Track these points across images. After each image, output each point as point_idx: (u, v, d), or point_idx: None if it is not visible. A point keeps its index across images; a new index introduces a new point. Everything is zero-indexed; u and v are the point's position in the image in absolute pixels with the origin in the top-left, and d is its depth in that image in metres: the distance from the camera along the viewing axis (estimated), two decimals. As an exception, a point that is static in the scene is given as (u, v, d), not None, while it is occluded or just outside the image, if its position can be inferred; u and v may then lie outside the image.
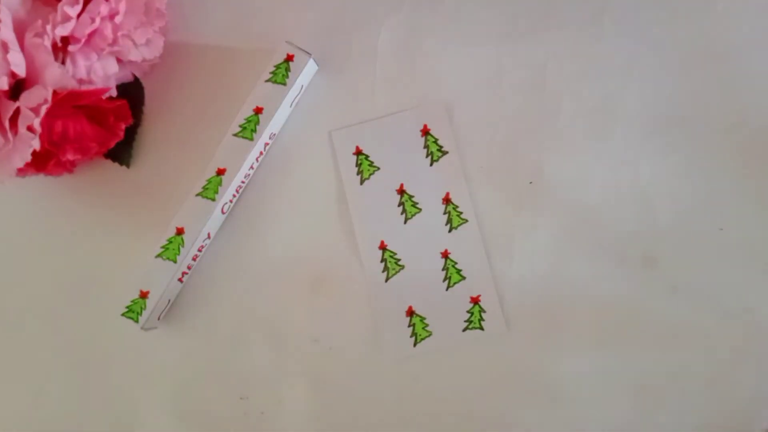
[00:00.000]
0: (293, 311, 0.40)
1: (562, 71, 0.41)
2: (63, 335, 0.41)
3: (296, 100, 0.41)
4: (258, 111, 0.39)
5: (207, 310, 0.41)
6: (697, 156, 0.41)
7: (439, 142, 0.41)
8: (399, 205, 0.41)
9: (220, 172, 0.39)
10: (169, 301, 0.40)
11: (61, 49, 0.35)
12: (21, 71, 0.34)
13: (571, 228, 0.40)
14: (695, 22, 0.41)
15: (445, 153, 0.41)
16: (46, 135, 0.35)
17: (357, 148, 0.41)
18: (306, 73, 0.40)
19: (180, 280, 0.39)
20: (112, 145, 0.39)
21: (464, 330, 0.40)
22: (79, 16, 0.35)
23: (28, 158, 0.34)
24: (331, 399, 0.37)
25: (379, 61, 0.42)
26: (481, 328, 0.40)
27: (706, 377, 0.39)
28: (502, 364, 0.39)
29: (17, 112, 0.34)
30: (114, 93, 0.38)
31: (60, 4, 0.34)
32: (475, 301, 0.40)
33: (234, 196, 0.40)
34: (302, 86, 0.40)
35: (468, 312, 0.40)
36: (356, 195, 0.41)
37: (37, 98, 0.33)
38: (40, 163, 0.37)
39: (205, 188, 0.39)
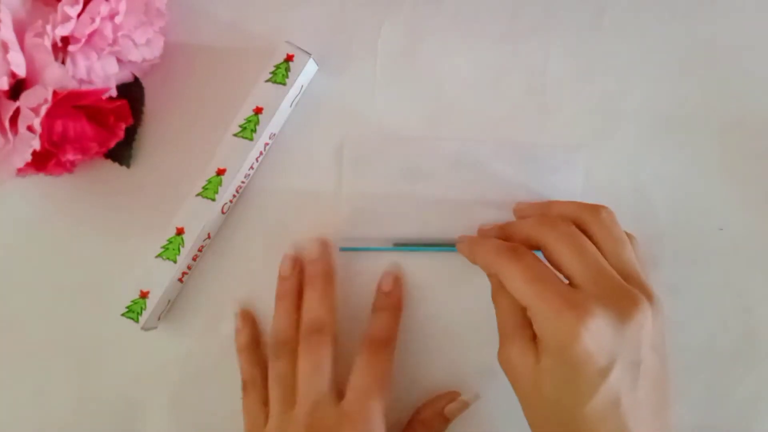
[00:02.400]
0: (293, 311, 0.40)
1: (562, 71, 0.41)
2: (63, 335, 0.41)
3: (296, 100, 0.41)
4: (258, 111, 0.39)
5: (207, 310, 0.41)
6: (697, 156, 0.41)
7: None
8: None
9: (220, 172, 0.39)
10: (169, 301, 0.40)
11: (61, 49, 0.35)
12: (21, 71, 0.34)
13: (571, 228, 0.40)
14: (695, 22, 0.41)
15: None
16: (46, 135, 0.35)
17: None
18: (306, 73, 0.40)
19: (180, 280, 0.39)
20: (112, 145, 0.39)
21: (464, 330, 0.40)
22: (79, 16, 0.34)
23: (28, 158, 0.34)
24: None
25: (379, 61, 0.42)
26: (481, 328, 0.40)
27: (706, 377, 0.39)
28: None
29: (17, 112, 0.34)
30: (114, 93, 0.38)
31: (60, 4, 0.34)
32: (475, 301, 0.40)
33: (234, 196, 0.40)
34: (302, 86, 0.40)
35: (468, 312, 0.40)
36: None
37: (37, 98, 0.33)
38: (40, 163, 0.36)
39: (205, 188, 0.38)
